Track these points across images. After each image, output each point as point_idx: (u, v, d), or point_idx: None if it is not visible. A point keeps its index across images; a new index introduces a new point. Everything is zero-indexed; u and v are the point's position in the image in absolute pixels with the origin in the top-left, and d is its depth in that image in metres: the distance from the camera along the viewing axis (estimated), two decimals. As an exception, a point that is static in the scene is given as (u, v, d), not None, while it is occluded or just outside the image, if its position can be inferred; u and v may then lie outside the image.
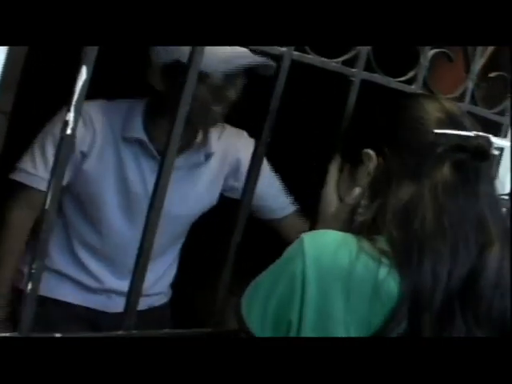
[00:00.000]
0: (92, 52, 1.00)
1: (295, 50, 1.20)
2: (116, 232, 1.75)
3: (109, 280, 1.80)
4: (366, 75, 1.32)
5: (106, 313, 1.80)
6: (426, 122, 1.07)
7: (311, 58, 1.23)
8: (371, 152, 1.09)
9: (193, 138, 1.73)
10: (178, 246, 1.96)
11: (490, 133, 1.43)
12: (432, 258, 0.94)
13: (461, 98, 1.51)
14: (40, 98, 2.42)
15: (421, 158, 1.03)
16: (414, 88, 1.39)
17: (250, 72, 1.61)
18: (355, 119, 1.24)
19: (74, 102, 0.99)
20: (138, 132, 1.66)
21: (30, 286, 0.97)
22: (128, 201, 1.72)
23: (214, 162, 1.81)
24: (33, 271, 0.97)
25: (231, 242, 1.21)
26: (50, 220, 0.98)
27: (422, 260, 0.94)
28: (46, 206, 0.98)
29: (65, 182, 1.51)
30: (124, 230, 1.73)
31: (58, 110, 1.57)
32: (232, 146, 1.84)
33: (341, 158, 1.17)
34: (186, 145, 1.70)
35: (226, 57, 1.50)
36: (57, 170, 0.99)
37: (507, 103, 1.60)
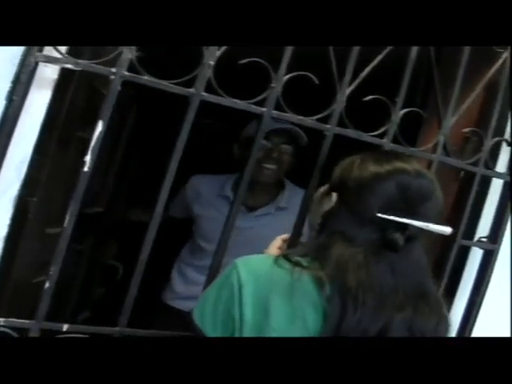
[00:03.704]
0: (108, 110, 1.42)
1: (274, 109, 1.59)
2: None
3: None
4: (339, 130, 1.68)
5: None
6: (377, 202, 1.34)
7: (289, 116, 1.62)
8: (334, 194, 1.43)
9: (267, 196, 2.55)
10: None
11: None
12: (357, 310, 1.27)
13: (434, 151, 1.85)
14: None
15: (358, 225, 1.35)
16: (384, 142, 1.74)
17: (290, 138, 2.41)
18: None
19: (91, 148, 1.41)
20: (227, 191, 2.52)
21: (47, 285, 1.39)
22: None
23: (285, 215, 2.44)
24: (51, 273, 1.39)
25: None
26: (67, 235, 1.41)
27: (348, 309, 1.27)
28: (65, 225, 1.40)
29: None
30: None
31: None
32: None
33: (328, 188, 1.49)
34: (263, 200, 2.54)
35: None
36: (75, 197, 1.41)
37: (481, 155, 1.93)
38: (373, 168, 1.38)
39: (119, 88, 1.44)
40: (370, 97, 1.71)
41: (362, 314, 1.26)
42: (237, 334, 1.29)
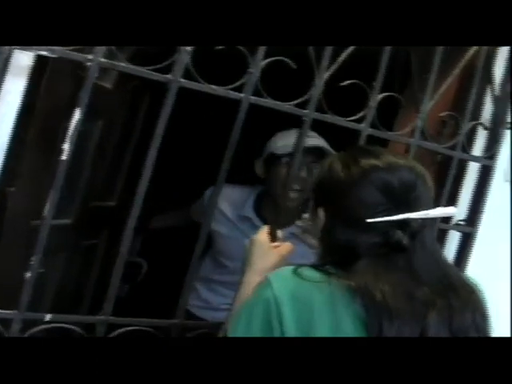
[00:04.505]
0: (85, 98, 1.43)
1: (252, 95, 1.61)
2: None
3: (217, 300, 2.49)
4: (317, 115, 1.70)
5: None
6: (365, 207, 1.28)
7: (267, 102, 1.64)
8: (322, 211, 1.36)
9: (291, 215, 2.19)
10: None
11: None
12: (393, 320, 1.20)
13: (411, 135, 1.89)
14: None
15: (357, 234, 1.28)
16: (363, 126, 1.77)
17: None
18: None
19: (69, 137, 1.42)
20: (249, 212, 2.39)
21: (28, 274, 1.40)
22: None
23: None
24: (32, 263, 1.40)
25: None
26: (47, 223, 1.42)
27: (384, 321, 1.20)
28: (45, 213, 1.41)
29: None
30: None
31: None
32: None
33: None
34: (287, 220, 2.20)
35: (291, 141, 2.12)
36: (55, 186, 1.42)
37: (458, 139, 1.97)
38: (343, 173, 1.33)
39: (96, 74, 1.45)
40: (348, 81, 1.73)
41: (398, 323, 1.20)
42: None
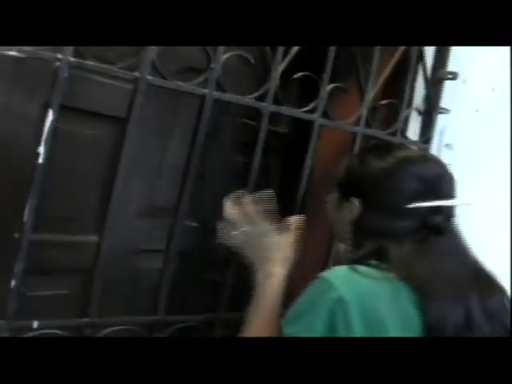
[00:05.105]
0: (57, 99, 1.41)
1: (216, 91, 1.64)
2: None
3: None
4: (274, 108, 1.75)
5: None
6: (403, 195, 1.38)
7: (229, 96, 1.67)
8: (355, 200, 1.44)
9: None
10: None
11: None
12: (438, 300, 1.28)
13: (357, 123, 1.97)
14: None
15: (396, 220, 1.38)
16: (315, 116, 1.84)
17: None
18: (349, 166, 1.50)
19: (43, 138, 1.40)
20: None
21: (13, 283, 1.38)
22: None
23: None
24: (15, 271, 1.37)
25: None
26: (28, 230, 1.39)
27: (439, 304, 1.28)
28: (24, 219, 1.38)
29: None
30: None
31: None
32: None
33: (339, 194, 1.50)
34: None
35: None
36: (32, 191, 1.40)
37: (398, 125, 2.07)
38: (379, 164, 1.42)
39: (66, 74, 1.43)
40: (300, 74, 1.79)
41: (448, 306, 1.28)
42: None
